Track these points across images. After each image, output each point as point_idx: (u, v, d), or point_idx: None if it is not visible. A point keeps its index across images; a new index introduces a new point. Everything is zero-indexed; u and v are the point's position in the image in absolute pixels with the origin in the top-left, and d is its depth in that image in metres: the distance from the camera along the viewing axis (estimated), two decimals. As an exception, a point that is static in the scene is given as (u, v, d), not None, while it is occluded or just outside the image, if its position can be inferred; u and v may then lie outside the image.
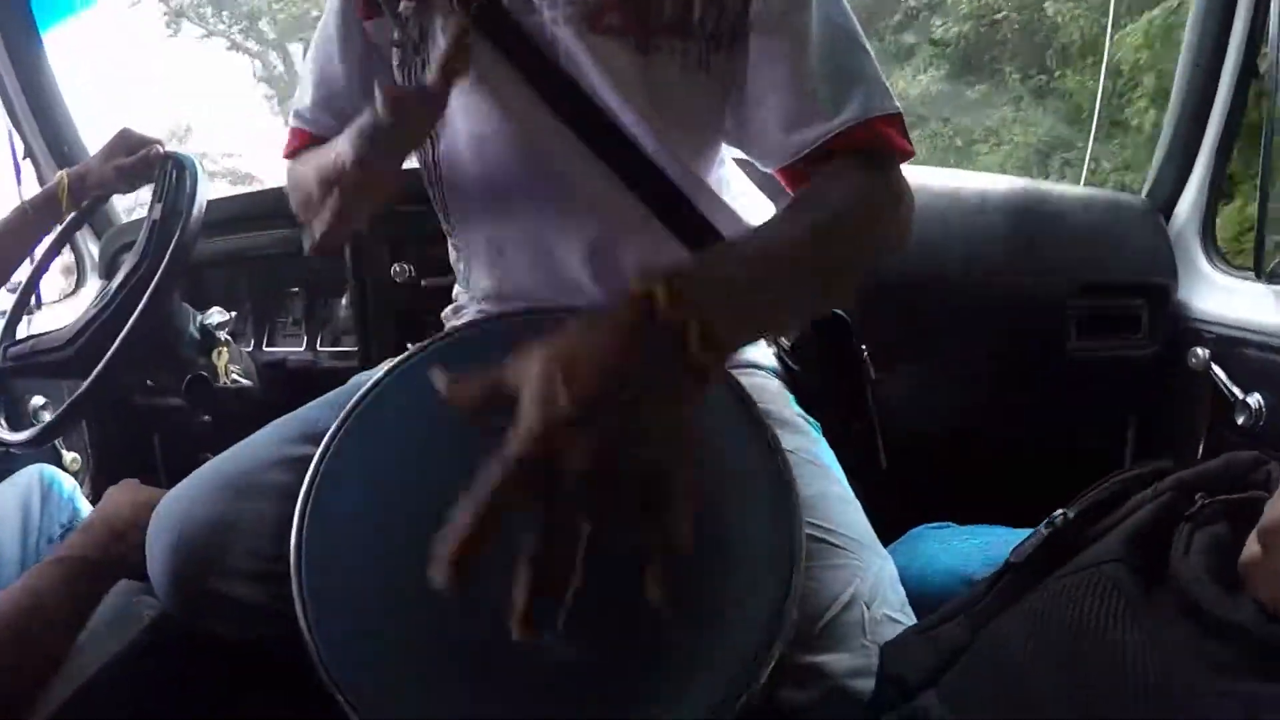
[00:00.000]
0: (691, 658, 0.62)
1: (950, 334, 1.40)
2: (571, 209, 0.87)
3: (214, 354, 1.28)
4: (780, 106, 0.79)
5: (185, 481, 0.84)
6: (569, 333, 0.49)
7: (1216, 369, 1.30)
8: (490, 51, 0.81)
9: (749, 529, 0.67)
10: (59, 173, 1.29)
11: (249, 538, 0.78)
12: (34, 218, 1.29)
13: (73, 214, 1.30)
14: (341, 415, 0.74)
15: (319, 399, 0.92)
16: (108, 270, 1.62)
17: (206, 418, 1.41)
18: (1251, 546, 0.48)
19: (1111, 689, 0.48)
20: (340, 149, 0.78)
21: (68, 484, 1.26)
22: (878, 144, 0.76)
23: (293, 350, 1.55)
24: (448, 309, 1.04)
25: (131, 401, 1.64)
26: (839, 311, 0.98)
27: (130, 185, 1.29)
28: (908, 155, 0.78)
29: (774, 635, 0.62)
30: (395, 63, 0.88)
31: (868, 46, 0.80)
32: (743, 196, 0.96)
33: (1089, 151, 3.18)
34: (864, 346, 1.00)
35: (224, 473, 0.83)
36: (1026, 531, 0.67)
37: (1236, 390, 1.25)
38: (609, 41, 0.80)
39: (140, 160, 1.25)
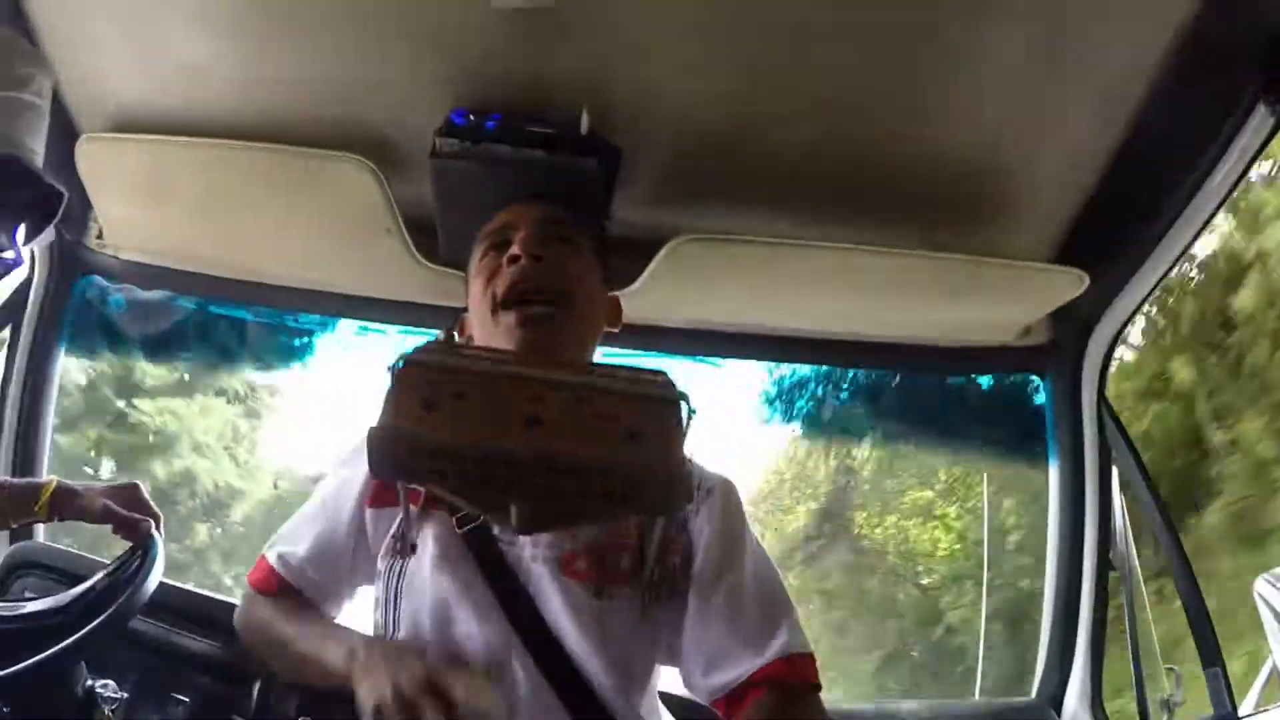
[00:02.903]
0: None
1: None
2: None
3: (90, 726, 1.13)
4: (712, 649, 0.93)
5: None
6: None
7: None
8: (472, 568, 0.94)
9: None
10: (51, 478, 1.22)
11: None
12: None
13: (37, 521, 1.21)
14: None
15: None
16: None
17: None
18: None
19: None
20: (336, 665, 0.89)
21: None
22: (794, 679, 0.92)
23: (158, 759, 1.36)
24: None
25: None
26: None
27: (105, 523, 1.19)
28: (817, 690, 0.94)
29: None
30: (382, 551, 1.00)
31: (788, 593, 1.00)
32: None
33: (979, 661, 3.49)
34: None
35: None
36: None
37: None
38: (573, 583, 0.94)
39: (130, 522, 1.18)
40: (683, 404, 0.83)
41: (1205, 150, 1.20)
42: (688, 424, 0.83)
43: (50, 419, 1.64)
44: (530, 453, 0.79)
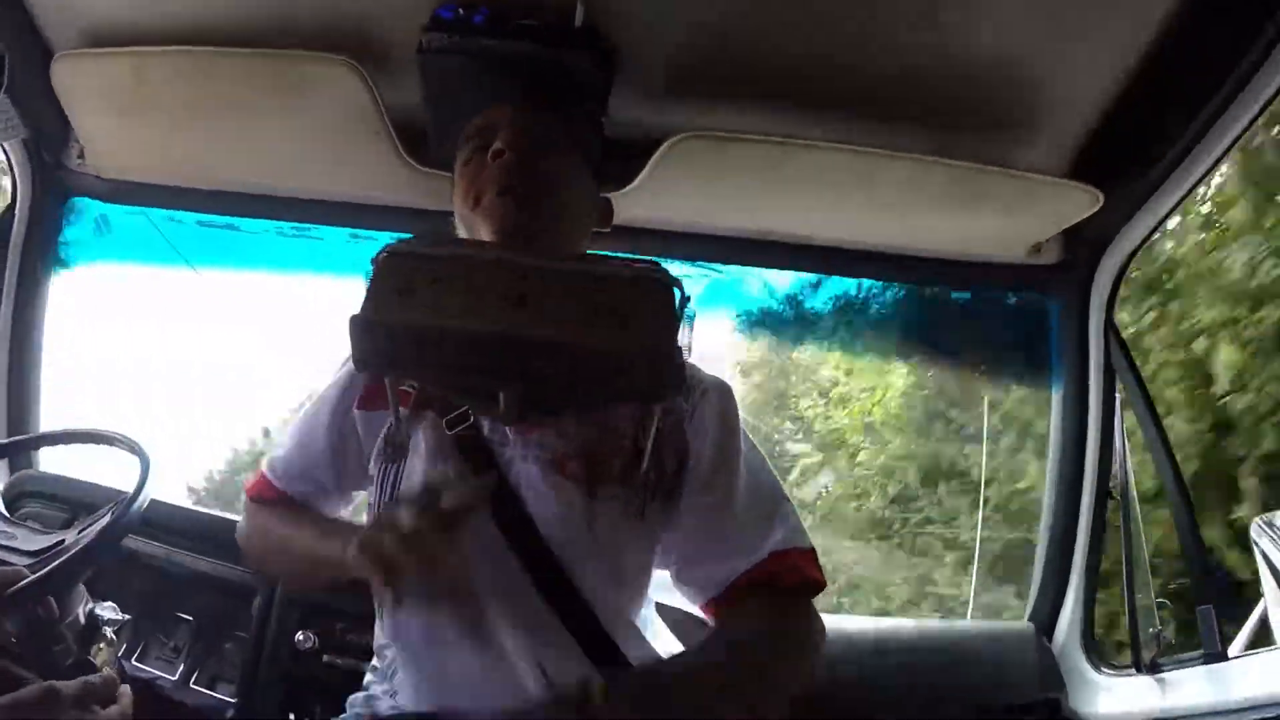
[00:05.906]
0: None
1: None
2: (507, 629, 0.91)
3: (93, 649, 1.14)
4: (707, 547, 0.94)
5: None
6: None
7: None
8: (462, 470, 0.92)
9: None
10: None
11: None
12: None
13: None
14: None
15: None
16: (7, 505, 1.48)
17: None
18: None
19: None
20: (334, 552, 0.86)
21: None
22: (792, 574, 0.91)
23: (164, 676, 1.40)
24: (357, 697, 1.00)
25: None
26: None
27: None
28: (820, 586, 0.93)
29: None
30: (374, 455, 0.99)
31: (785, 492, 0.99)
32: (658, 637, 1.06)
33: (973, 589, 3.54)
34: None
35: None
36: None
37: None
38: (565, 483, 0.92)
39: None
40: (675, 291, 0.81)
41: (1230, 73, 1.14)
42: (680, 310, 0.81)
43: (42, 347, 1.62)
44: (514, 336, 0.77)
